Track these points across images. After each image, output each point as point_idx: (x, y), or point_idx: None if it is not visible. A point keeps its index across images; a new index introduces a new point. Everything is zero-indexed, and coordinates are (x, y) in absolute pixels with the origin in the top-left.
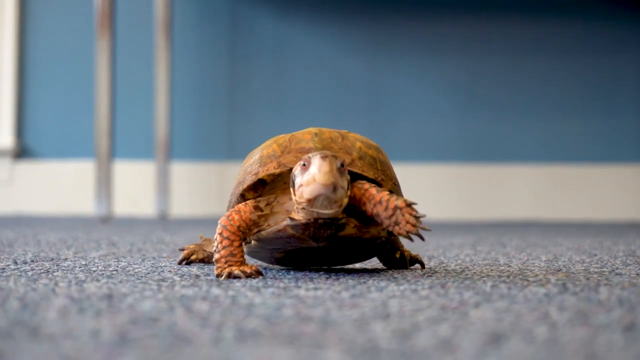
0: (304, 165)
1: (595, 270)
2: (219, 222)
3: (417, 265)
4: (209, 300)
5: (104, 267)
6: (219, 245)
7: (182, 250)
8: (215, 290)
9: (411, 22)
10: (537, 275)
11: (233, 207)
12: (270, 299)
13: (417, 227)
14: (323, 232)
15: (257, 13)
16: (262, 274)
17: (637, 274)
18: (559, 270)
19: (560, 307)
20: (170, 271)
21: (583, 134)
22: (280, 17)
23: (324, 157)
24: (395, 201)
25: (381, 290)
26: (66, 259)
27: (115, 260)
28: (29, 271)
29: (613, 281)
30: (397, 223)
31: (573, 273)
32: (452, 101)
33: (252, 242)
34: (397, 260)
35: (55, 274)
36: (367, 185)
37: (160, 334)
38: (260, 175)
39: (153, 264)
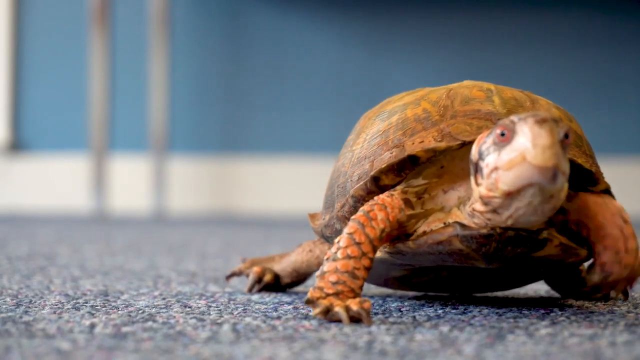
0: (502, 135)
1: None
2: (351, 218)
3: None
4: (206, 297)
5: (100, 264)
6: (340, 252)
7: (237, 274)
8: (212, 288)
9: (413, 16)
10: None
11: (351, 197)
12: (268, 296)
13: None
14: (510, 250)
15: (257, 5)
16: (370, 314)
17: None
18: None
19: (562, 304)
20: (166, 268)
21: (588, 126)
22: (279, 9)
23: (540, 122)
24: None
25: (380, 287)
26: (61, 255)
27: (111, 256)
28: (23, 268)
29: None
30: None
31: None
32: None
33: (382, 255)
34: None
35: (49, 270)
36: (594, 198)
37: (156, 331)
38: (411, 151)
39: (149, 260)
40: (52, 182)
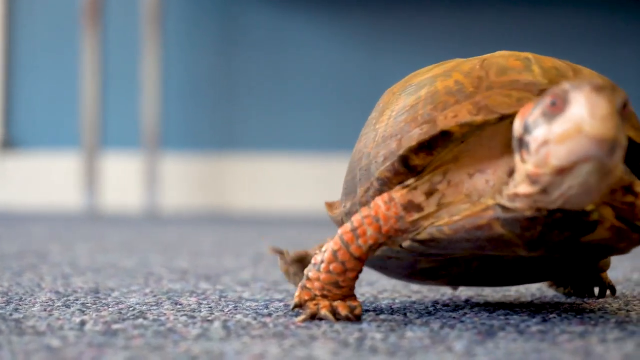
0: (552, 104)
1: None
2: (339, 230)
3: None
4: (197, 295)
5: (91, 261)
6: (323, 267)
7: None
8: (204, 285)
9: (410, 15)
10: None
11: (377, 180)
12: (259, 293)
13: None
14: (557, 234)
15: (250, 3)
16: (360, 318)
17: (632, 269)
18: None
19: (552, 301)
20: (158, 265)
21: None
22: (273, 7)
23: (598, 90)
24: None
25: (372, 284)
26: (52, 252)
27: (103, 254)
28: (14, 265)
29: (607, 275)
30: None
31: None
32: None
33: (409, 244)
34: (588, 285)
35: (40, 268)
36: None
37: (146, 328)
38: (445, 126)
39: (141, 258)
40: (44, 180)
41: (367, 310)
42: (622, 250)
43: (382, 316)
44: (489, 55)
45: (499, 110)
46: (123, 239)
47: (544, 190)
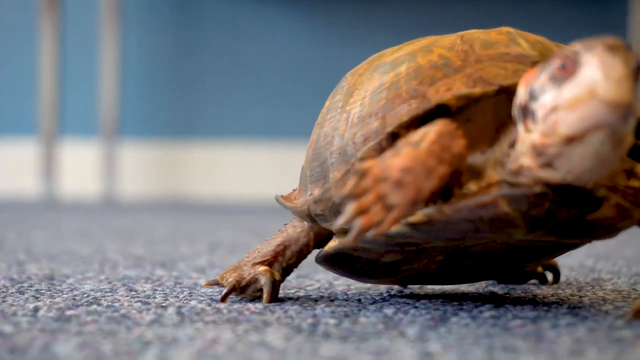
0: (562, 67)
1: None
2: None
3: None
4: (152, 281)
5: (47, 249)
6: (424, 145)
7: (218, 283)
8: (159, 271)
9: (371, 4)
10: None
11: (360, 161)
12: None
13: None
14: (565, 211)
15: None
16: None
17: (587, 256)
18: None
19: (507, 288)
20: (114, 252)
21: None
22: None
23: (612, 50)
24: None
25: (327, 271)
26: (8, 240)
27: (59, 241)
28: None
29: (561, 262)
30: None
31: None
32: None
33: (400, 228)
34: (533, 274)
35: None
36: None
37: (100, 314)
38: (440, 99)
39: (97, 245)
40: (1, 167)
41: (321, 297)
42: (619, 230)
43: (336, 302)
44: (463, 32)
45: (496, 81)
46: (80, 226)
47: (550, 164)
